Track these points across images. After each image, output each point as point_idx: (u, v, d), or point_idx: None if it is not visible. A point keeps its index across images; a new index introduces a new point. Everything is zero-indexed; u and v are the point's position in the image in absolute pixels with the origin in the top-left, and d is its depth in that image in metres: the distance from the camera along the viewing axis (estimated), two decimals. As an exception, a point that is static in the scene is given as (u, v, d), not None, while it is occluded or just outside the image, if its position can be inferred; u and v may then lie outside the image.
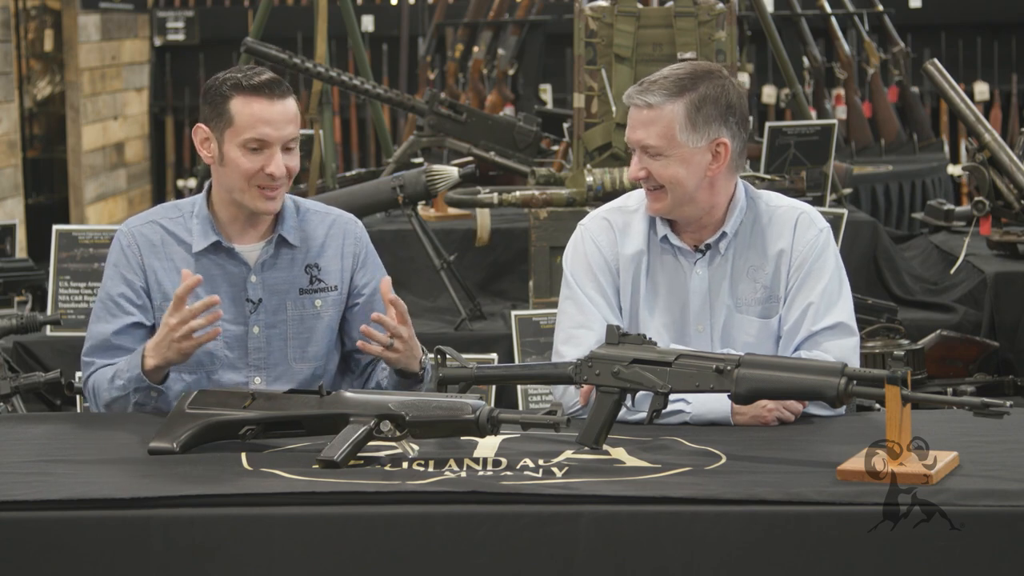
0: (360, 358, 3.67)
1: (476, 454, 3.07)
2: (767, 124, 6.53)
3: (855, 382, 2.96)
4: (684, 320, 3.57)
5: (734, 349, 3.49)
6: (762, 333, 3.54)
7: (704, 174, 3.50)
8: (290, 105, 3.55)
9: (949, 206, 7.01)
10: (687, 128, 3.47)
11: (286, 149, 3.54)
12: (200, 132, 3.59)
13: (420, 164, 6.44)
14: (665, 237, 3.58)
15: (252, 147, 3.51)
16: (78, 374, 4.36)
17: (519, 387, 4.93)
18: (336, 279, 3.66)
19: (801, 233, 3.57)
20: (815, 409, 3.38)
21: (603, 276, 3.60)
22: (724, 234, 3.57)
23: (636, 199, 3.66)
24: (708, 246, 3.57)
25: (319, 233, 3.66)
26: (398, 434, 3.05)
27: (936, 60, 6.22)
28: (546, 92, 10.47)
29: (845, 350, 3.48)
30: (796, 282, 3.54)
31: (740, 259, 3.58)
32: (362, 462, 3.03)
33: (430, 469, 2.97)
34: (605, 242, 3.62)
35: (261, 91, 3.52)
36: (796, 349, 3.50)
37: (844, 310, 3.54)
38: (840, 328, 3.51)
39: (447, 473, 2.93)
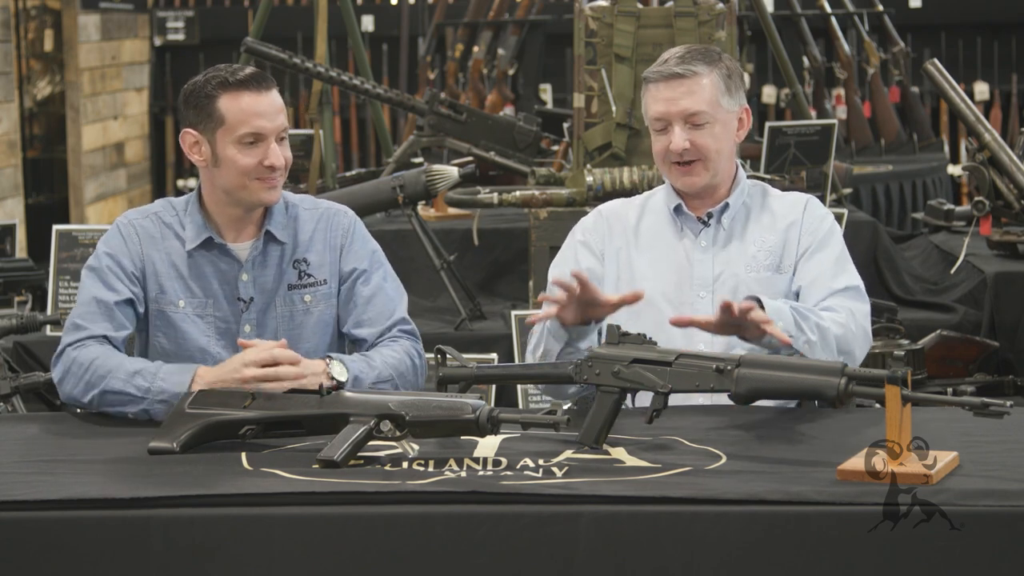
0: (359, 342, 3.67)
1: (476, 454, 3.07)
2: (767, 124, 6.53)
3: (855, 382, 2.96)
4: (685, 288, 3.61)
5: None
6: (773, 290, 3.60)
7: (733, 141, 3.67)
8: (276, 96, 3.55)
9: (949, 206, 7.01)
10: (726, 93, 3.63)
11: (279, 140, 3.53)
12: (188, 137, 3.57)
13: (420, 164, 6.44)
14: (679, 207, 3.69)
15: (248, 142, 3.50)
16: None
17: (519, 387, 4.93)
18: (325, 273, 3.64)
19: (812, 210, 3.71)
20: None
21: (584, 261, 3.69)
22: (727, 205, 3.68)
23: (639, 197, 3.79)
24: (711, 215, 3.68)
25: (308, 228, 3.64)
26: (398, 434, 3.05)
27: (936, 60, 6.22)
28: (546, 92, 10.47)
29: (858, 315, 3.55)
30: (810, 247, 3.64)
31: (746, 229, 3.68)
32: (362, 462, 3.02)
33: (430, 469, 2.97)
34: (593, 232, 3.73)
35: (248, 85, 3.51)
36: (814, 306, 3.54)
37: (857, 277, 3.65)
38: (856, 291, 3.61)
39: (447, 473, 2.93)
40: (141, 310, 3.59)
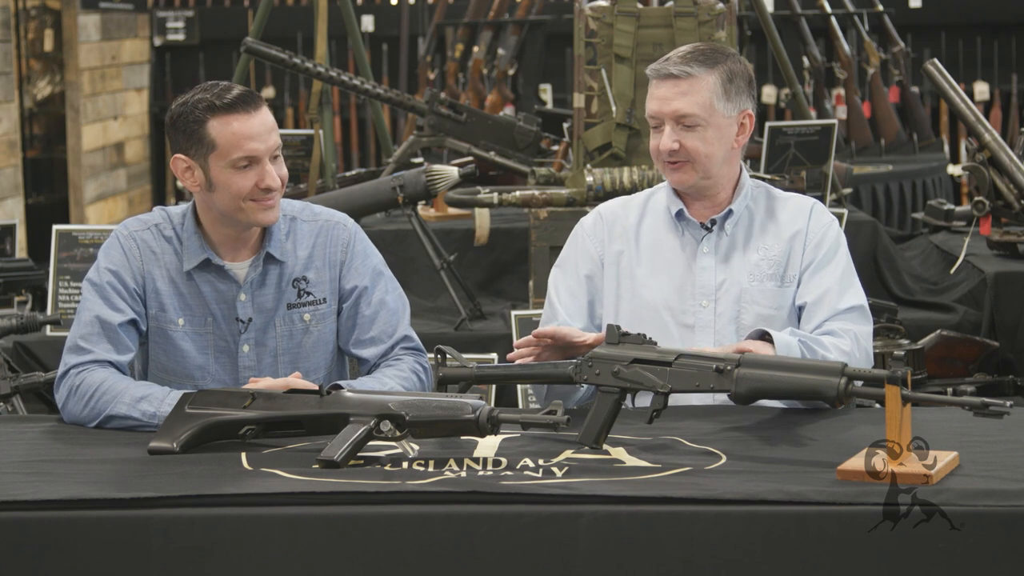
0: (361, 361, 3.65)
1: (476, 454, 3.07)
2: (767, 124, 6.53)
3: (855, 382, 2.96)
4: (686, 295, 3.60)
5: (748, 324, 3.53)
6: (777, 301, 3.58)
7: (731, 145, 3.62)
8: (267, 115, 3.47)
9: (949, 206, 7.01)
10: (723, 97, 3.59)
11: (272, 158, 3.46)
12: (180, 162, 3.50)
13: (420, 164, 6.45)
14: (681, 212, 3.66)
15: (242, 165, 3.43)
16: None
17: (519, 387, 4.93)
18: (325, 291, 3.59)
19: (817, 217, 3.66)
20: None
21: (584, 268, 3.69)
22: (730, 212, 3.65)
23: (641, 196, 3.76)
24: (714, 222, 3.65)
25: (306, 244, 3.59)
26: (398, 434, 3.05)
27: (936, 60, 6.22)
28: (546, 92, 10.47)
29: (862, 339, 3.54)
30: (815, 260, 3.61)
31: (750, 237, 3.64)
32: (362, 462, 3.02)
33: (430, 469, 2.97)
34: (592, 236, 3.71)
35: (237, 108, 3.43)
36: (818, 327, 3.54)
37: (862, 295, 3.62)
38: (861, 311, 3.58)
39: (447, 473, 2.93)
40: (144, 328, 3.55)
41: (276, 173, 3.47)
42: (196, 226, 3.56)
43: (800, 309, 3.59)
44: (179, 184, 11.66)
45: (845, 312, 3.55)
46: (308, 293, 3.58)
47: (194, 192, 3.54)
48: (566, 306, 3.66)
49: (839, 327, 3.52)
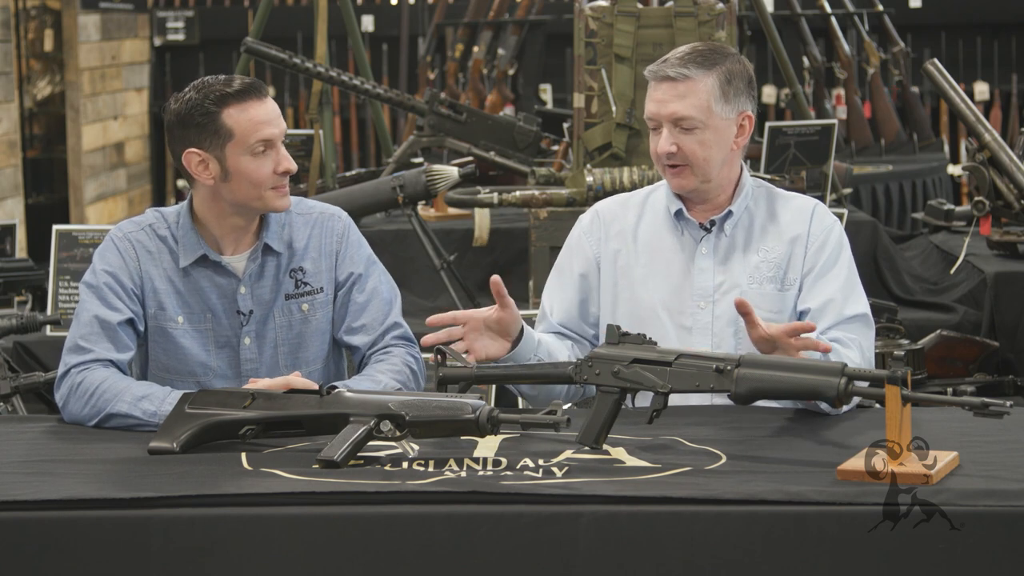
0: (352, 349, 3.66)
1: (476, 454, 3.07)
2: (767, 124, 6.53)
3: (855, 382, 2.96)
4: (684, 297, 3.59)
5: (745, 327, 3.52)
6: (777, 305, 3.55)
7: (730, 147, 3.58)
8: (273, 102, 3.53)
9: (949, 206, 7.01)
10: (721, 99, 3.54)
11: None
12: (193, 157, 3.49)
13: (420, 164, 6.45)
14: (680, 212, 3.63)
15: (260, 151, 3.46)
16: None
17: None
18: (322, 281, 3.61)
19: (819, 220, 3.62)
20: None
21: (579, 267, 3.69)
22: (730, 213, 3.62)
23: (640, 194, 3.74)
24: (713, 222, 3.62)
25: (302, 235, 3.61)
26: (398, 434, 3.05)
27: (936, 60, 6.22)
28: (546, 92, 10.48)
29: (866, 349, 3.51)
30: (817, 265, 3.57)
31: (750, 238, 3.62)
32: (362, 462, 3.02)
33: (430, 469, 2.97)
34: (589, 235, 3.70)
35: (249, 95, 3.47)
36: (822, 334, 3.51)
37: (865, 302, 3.59)
38: (864, 320, 3.55)
39: (447, 473, 2.93)
40: (141, 328, 3.56)
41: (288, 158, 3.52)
42: (192, 222, 3.57)
43: (802, 315, 3.56)
44: (179, 184, 11.71)
45: (849, 320, 3.52)
46: (305, 283, 3.60)
47: (207, 185, 3.52)
48: (557, 303, 3.68)
49: (844, 336, 3.48)
